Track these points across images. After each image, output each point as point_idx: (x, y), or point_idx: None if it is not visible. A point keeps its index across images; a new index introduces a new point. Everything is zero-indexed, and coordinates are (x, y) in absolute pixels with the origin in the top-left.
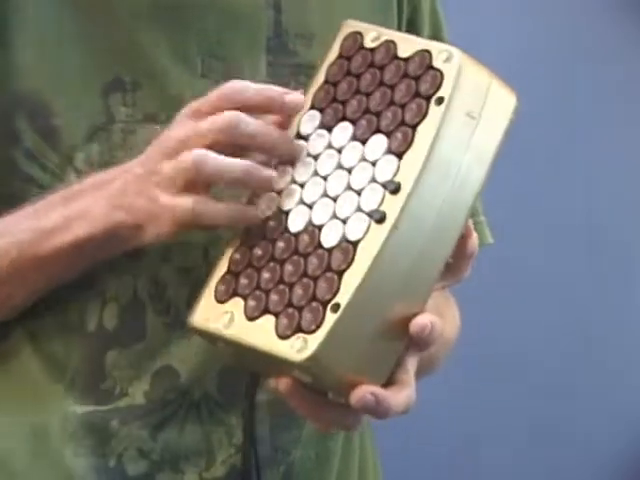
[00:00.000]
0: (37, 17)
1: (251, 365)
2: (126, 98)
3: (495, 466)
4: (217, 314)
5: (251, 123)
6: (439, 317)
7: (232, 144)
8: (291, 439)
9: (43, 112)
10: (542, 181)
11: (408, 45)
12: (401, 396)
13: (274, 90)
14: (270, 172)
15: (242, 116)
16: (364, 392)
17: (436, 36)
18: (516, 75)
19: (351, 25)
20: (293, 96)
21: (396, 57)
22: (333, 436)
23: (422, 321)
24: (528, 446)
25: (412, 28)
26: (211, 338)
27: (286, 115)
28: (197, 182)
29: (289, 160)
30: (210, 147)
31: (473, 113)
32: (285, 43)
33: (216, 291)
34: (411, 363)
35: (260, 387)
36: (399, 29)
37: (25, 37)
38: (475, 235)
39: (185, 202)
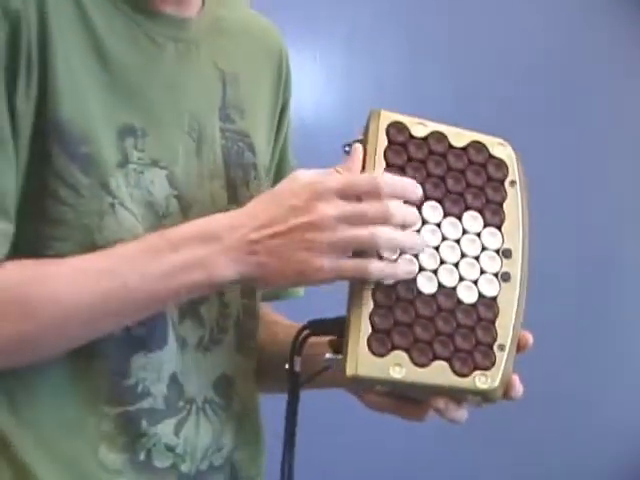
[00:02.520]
0: (74, 59)
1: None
2: (137, 143)
3: None
4: (383, 366)
5: (402, 210)
6: None
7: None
8: (239, 443)
9: (75, 139)
10: (540, 181)
11: (457, 136)
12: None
13: (413, 186)
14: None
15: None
16: (517, 381)
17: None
18: (516, 75)
19: (389, 115)
20: (416, 190)
21: (451, 147)
22: (257, 439)
23: (529, 337)
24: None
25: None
26: (378, 383)
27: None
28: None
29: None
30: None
31: (524, 184)
32: (228, 113)
33: (370, 347)
34: None
35: (240, 401)
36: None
37: (64, 71)
38: None
39: (360, 264)
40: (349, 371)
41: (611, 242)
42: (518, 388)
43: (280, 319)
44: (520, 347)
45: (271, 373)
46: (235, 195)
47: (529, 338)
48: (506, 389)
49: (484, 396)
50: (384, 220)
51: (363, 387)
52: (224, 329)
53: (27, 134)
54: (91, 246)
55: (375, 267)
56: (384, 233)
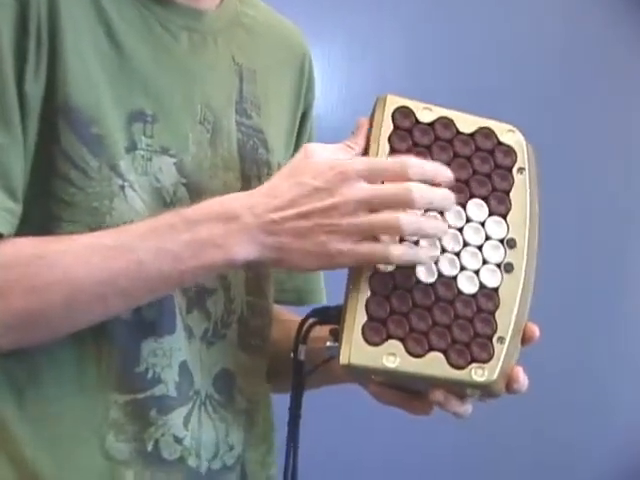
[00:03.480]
0: (85, 42)
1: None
2: (146, 129)
3: None
4: (377, 355)
5: (425, 193)
6: None
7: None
8: (249, 442)
9: (85, 121)
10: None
11: (465, 122)
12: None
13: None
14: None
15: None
16: (521, 372)
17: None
18: (516, 75)
19: (396, 100)
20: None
21: (459, 132)
22: (267, 439)
23: (535, 329)
24: None
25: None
26: (372, 373)
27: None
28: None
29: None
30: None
31: (534, 173)
32: (245, 108)
33: (365, 335)
34: None
35: (245, 398)
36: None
37: (75, 54)
38: None
39: (381, 248)
40: (342, 359)
41: (615, 239)
42: (522, 381)
43: (294, 317)
44: (525, 340)
45: (287, 371)
46: (248, 188)
47: (535, 331)
48: (508, 383)
49: (483, 389)
50: (408, 204)
51: (359, 377)
52: (228, 324)
53: (36, 116)
54: (101, 228)
55: (396, 251)
56: (408, 218)
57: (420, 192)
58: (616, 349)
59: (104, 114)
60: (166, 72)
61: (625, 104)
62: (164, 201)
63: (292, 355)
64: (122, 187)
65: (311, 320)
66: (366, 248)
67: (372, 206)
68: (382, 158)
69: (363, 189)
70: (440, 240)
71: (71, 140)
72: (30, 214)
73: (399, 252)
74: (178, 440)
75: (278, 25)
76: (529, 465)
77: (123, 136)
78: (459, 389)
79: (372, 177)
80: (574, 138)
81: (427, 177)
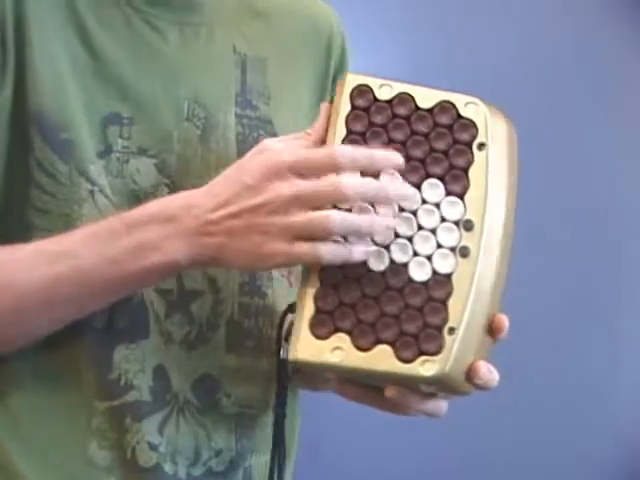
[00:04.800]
0: (55, 45)
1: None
2: (123, 131)
3: None
4: (323, 349)
5: (357, 186)
6: None
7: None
8: (250, 447)
9: (54, 127)
10: (539, 180)
11: (425, 96)
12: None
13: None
14: (390, 221)
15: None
16: (483, 366)
17: None
18: (515, 75)
19: (355, 78)
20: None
21: (418, 108)
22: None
23: (504, 320)
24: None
25: None
26: (319, 368)
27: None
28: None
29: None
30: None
31: (502, 150)
32: (249, 99)
33: (312, 329)
34: None
35: (232, 402)
36: None
37: (44, 60)
38: None
39: (312, 249)
40: (290, 355)
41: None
42: (484, 376)
43: None
44: (493, 332)
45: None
46: None
47: (503, 321)
48: (469, 378)
49: (435, 384)
50: (339, 200)
51: (315, 374)
52: (214, 327)
53: (5, 124)
54: None
55: (326, 250)
56: (337, 217)
57: (351, 185)
58: (616, 349)
59: (74, 119)
60: (147, 72)
61: (625, 104)
62: (141, 203)
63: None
64: (91, 192)
65: (291, 316)
66: (297, 249)
67: (302, 204)
68: (336, 141)
69: (291, 186)
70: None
71: (42, 147)
72: (11, 225)
73: (329, 252)
74: (153, 447)
75: (299, 6)
76: (529, 465)
77: (96, 140)
78: (411, 384)
79: (304, 171)
80: (574, 138)
81: (361, 166)
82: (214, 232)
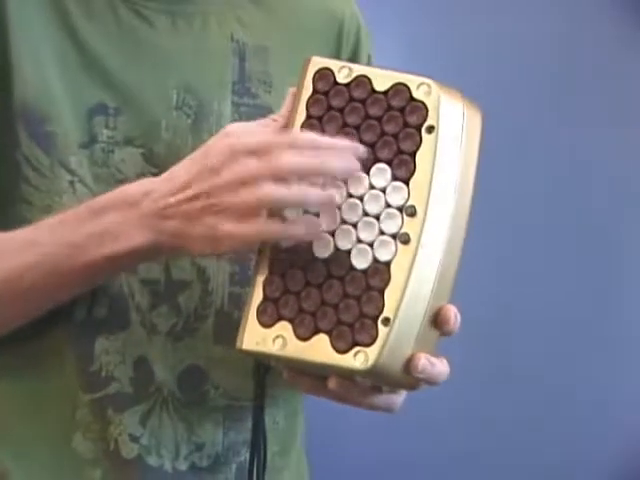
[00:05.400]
0: (38, 39)
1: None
2: (108, 122)
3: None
4: (266, 338)
5: (295, 163)
6: None
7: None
8: (241, 441)
9: (38, 119)
10: (539, 180)
11: (382, 79)
12: (444, 364)
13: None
14: (330, 192)
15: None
16: (422, 358)
17: None
18: (514, 75)
19: (318, 62)
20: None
21: (374, 91)
22: (277, 440)
23: (449, 312)
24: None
25: None
26: (264, 358)
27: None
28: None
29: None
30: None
31: (456, 135)
32: (248, 87)
33: (259, 317)
34: None
35: (220, 394)
36: None
37: (27, 55)
38: None
39: (258, 227)
40: (238, 344)
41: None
42: (423, 368)
43: None
44: (438, 324)
45: None
46: None
47: (449, 312)
48: (408, 371)
49: (371, 377)
50: (272, 177)
51: (269, 364)
52: (202, 318)
53: None
54: None
55: (270, 229)
56: (269, 192)
57: (293, 161)
58: (616, 348)
59: (58, 111)
60: (134, 61)
61: (625, 104)
62: None
63: None
64: (71, 182)
65: None
66: (247, 229)
67: (250, 183)
68: (296, 126)
69: (242, 166)
70: (340, 211)
71: (28, 142)
72: (6, 221)
73: (272, 230)
74: (134, 439)
75: None
76: (528, 465)
77: (81, 131)
78: (348, 376)
79: (260, 153)
80: (573, 138)
81: (300, 147)
82: (171, 216)
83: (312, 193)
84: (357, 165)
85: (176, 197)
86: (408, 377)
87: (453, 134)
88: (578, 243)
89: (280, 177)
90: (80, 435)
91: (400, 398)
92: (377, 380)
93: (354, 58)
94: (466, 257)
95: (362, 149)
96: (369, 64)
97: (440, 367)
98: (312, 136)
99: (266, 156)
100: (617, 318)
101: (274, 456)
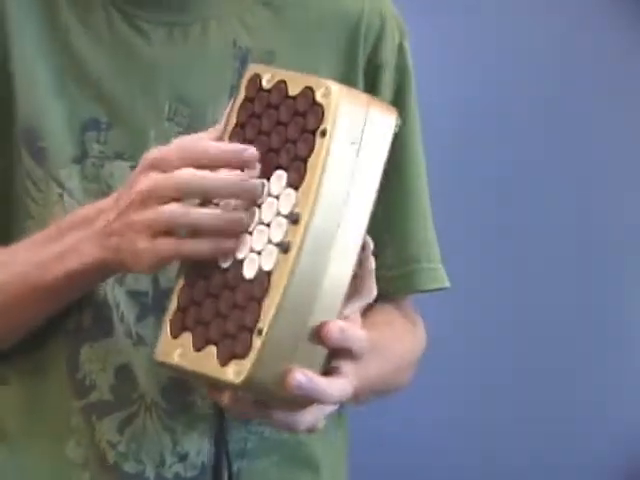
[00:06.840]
0: (35, 54)
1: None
2: (100, 136)
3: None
4: (172, 348)
5: (207, 179)
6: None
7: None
8: (232, 450)
9: (34, 135)
10: (539, 180)
11: (295, 83)
12: (334, 383)
13: (233, 147)
14: (239, 215)
15: (198, 176)
16: (297, 373)
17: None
18: (514, 74)
19: (252, 68)
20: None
21: (287, 96)
22: (274, 450)
23: (332, 327)
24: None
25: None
26: (172, 370)
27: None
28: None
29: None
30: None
31: (354, 140)
32: None
33: (170, 327)
34: (344, 366)
35: (208, 403)
36: None
37: (24, 70)
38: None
39: (161, 245)
40: (155, 356)
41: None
42: (297, 385)
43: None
44: (320, 339)
45: None
46: None
47: (333, 327)
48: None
49: (247, 390)
50: (176, 193)
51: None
52: None
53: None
54: None
55: (166, 247)
56: (175, 211)
57: (187, 179)
58: (616, 348)
59: (51, 127)
60: (124, 74)
61: (625, 104)
62: None
63: None
64: (61, 195)
65: None
66: (159, 246)
67: (156, 198)
68: (227, 133)
69: (148, 180)
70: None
71: (27, 158)
72: (15, 235)
73: (168, 248)
74: (112, 445)
75: None
76: (528, 465)
77: (74, 146)
78: (232, 390)
79: (160, 167)
80: (573, 138)
81: (222, 161)
82: (111, 233)
83: (205, 215)
84: (255, 182)
85: (115, 214)
86: (287, 392)
87: (350, 139)
88: (578, 243)
89: (181, 194)
90: (74, 441)
91: (302, 417)
92: (256, 394)
93: (373, 57)
94: (465, 258)
95: (249, 153)
96: (402, 58)
97: (322, 384)
98: (204, 147)
99: (167, 171)
100: (617, 318)
101: (271, 467)
